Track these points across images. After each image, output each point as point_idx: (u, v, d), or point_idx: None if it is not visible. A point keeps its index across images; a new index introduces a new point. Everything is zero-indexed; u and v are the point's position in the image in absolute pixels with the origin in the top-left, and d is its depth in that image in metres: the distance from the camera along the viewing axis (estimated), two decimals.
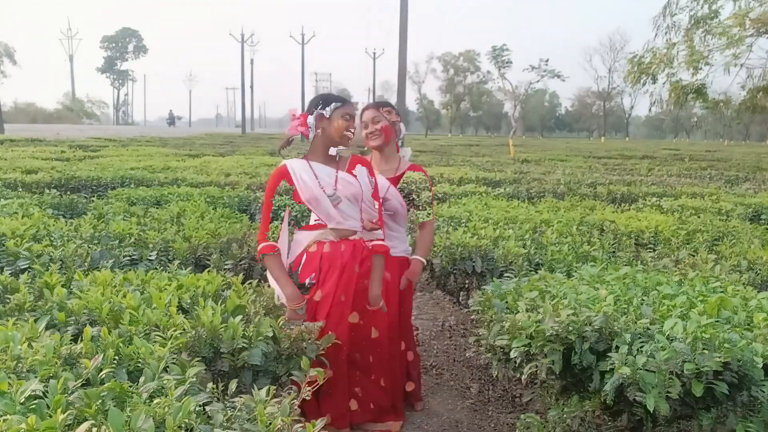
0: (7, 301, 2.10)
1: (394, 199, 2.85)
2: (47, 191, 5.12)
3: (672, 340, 1.91)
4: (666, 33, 14.96)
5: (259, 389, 1.52)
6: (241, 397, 1.50)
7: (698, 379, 1.79)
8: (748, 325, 2.04)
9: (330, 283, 2.56)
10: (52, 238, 3.06)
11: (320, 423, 1.42)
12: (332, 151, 2.58)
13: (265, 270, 2.63)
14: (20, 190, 5.50)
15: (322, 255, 2.57)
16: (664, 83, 15.39)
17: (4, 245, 2.87)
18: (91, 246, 2.95)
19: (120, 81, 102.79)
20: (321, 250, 2.57)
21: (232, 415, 1.42)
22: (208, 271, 2.51)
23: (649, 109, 19.85)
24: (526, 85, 69.93)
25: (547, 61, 63.25)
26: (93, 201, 4.64)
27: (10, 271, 2.42)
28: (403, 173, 2.90)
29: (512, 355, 2.13)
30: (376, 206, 2.67)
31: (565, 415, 2.15)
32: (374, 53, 59.13)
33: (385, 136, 2.83)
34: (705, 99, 15.53)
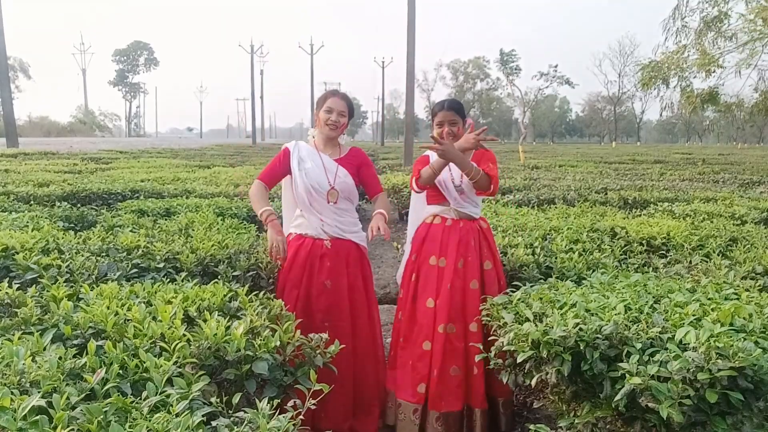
0: (14, 315, 2.10)
1: (343, 177, 3.01)
2: (58, 204, 5.16)
3: (684, 348, 1.87)
4: (676, 36, 14.89)
5: (263, 398, 1.50)
6: (244, 410, 1.48)
7: (712, 387, 1.75)
8: (764, 333, 1.99)
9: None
10: (61, 251, 3.08)
11: None
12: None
13: None
14: (32, 203, 5.54)
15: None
16: (674, 87, 15.30)
17: (13, 258, 2.88)
18: (99, 258, 2.96)
19: (132, 93, 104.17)
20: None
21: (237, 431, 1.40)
22: (215, 283, 2.51)
23: (660, 114, 19.66)
24: (535, 91, 69.91)
25: (556, 66, 63.32)
26: (103, 213, 4.67)
27: (18, 285, 2.43)
28: (347, 155, 3.09)
29: (519, 359, 2.10)
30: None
31: (576, 422, 2.12)
32: (383, 62, 59.37)
33: (341, 130, 3.05)
34: (717, 103, 15.40)
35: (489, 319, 2.50)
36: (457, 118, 3.05)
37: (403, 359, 3.03)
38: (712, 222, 4.47)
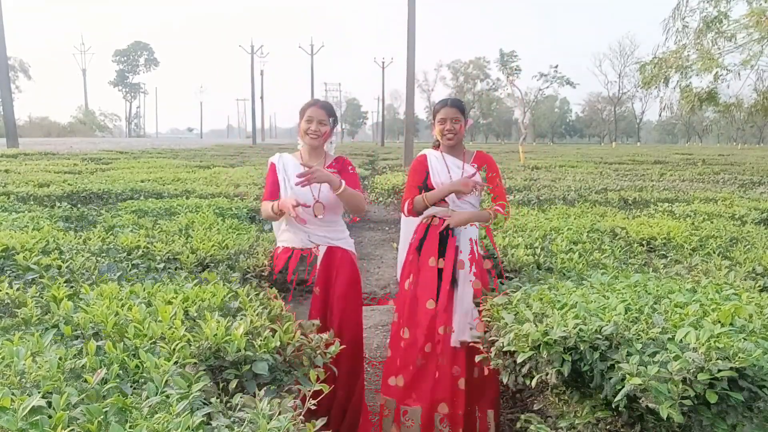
0: (14, 315, 2.10)
1: (326, 190, 2.94)
2: (58, 204, 5.16)
3: (685, 349, 1.86)
4: (676, 36, 14.88)
5: (263, 399, 1.50)
6: (244, 410, 1.48)
7: (712, 387, 1.75)
8: (764, 333, 1.99)
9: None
10: (61, 251, 3.08)
11: (320, 422, 1.43)
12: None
13: None
14: (32, 203, 5.54)
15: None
16: (674, 87, 15.30)
17: (13, 258, 2.88)
18: (99, 259, 2.96)
19: (132, 94, 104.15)
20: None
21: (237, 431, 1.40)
22: (214, 283, 2.51)
23: (659, 114, 19.66)
24: (536, 92, 69.76)
25: (556, 67, 63.10)
26: (103, 213, 4.67)
27: (18, 285, 2.43)
28: (330, 165, 3.01)
29: (519, 360, 2.10)
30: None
31: (576, 422, 2.12)
32: (383, 62, 59.30)
33: (323, 138, 2.98)
34: (716, 103, 15.40)
35: (489, 319, 2.50)
36: (460, 116, 3.03)
37: (407, 364, 3.02)
38: (712, 222, 4.47)
